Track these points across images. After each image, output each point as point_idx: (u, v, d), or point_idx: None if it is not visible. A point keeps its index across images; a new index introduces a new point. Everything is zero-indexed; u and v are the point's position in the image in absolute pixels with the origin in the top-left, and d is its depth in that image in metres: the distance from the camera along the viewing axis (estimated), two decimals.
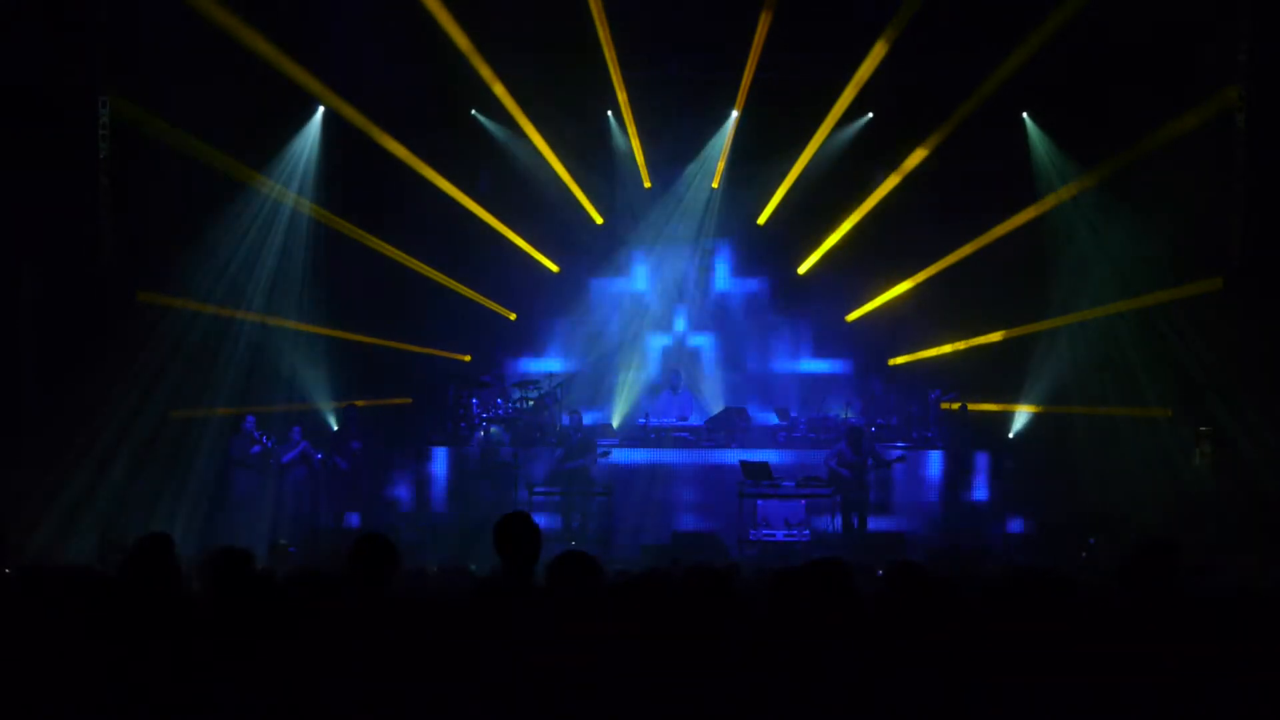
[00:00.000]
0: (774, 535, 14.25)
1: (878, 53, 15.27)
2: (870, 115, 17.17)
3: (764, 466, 14.71)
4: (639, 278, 18.51)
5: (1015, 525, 15.00)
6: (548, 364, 18.02)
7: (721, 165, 17.76)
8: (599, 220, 18.16)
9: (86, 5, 13.36)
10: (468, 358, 17.89)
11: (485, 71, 15.65)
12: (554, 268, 18.17)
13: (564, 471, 14.75)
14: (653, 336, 18.24)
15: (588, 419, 15.90)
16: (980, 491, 15.62)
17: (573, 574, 4.87)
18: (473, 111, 17.11)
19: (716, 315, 18.52)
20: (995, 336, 16.79)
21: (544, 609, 4.67)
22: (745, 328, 18.52)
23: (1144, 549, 4.94)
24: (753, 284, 18.68)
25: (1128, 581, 4.87)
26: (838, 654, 4.21)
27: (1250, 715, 4.15)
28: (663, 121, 17.15)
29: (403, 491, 15.97)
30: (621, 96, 16.57)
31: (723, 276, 18.69)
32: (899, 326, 17.55)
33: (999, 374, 16.52)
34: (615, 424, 16.97)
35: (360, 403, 15.76)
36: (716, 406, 17.19)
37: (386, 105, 15.95)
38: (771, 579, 4.70)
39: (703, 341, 18.44)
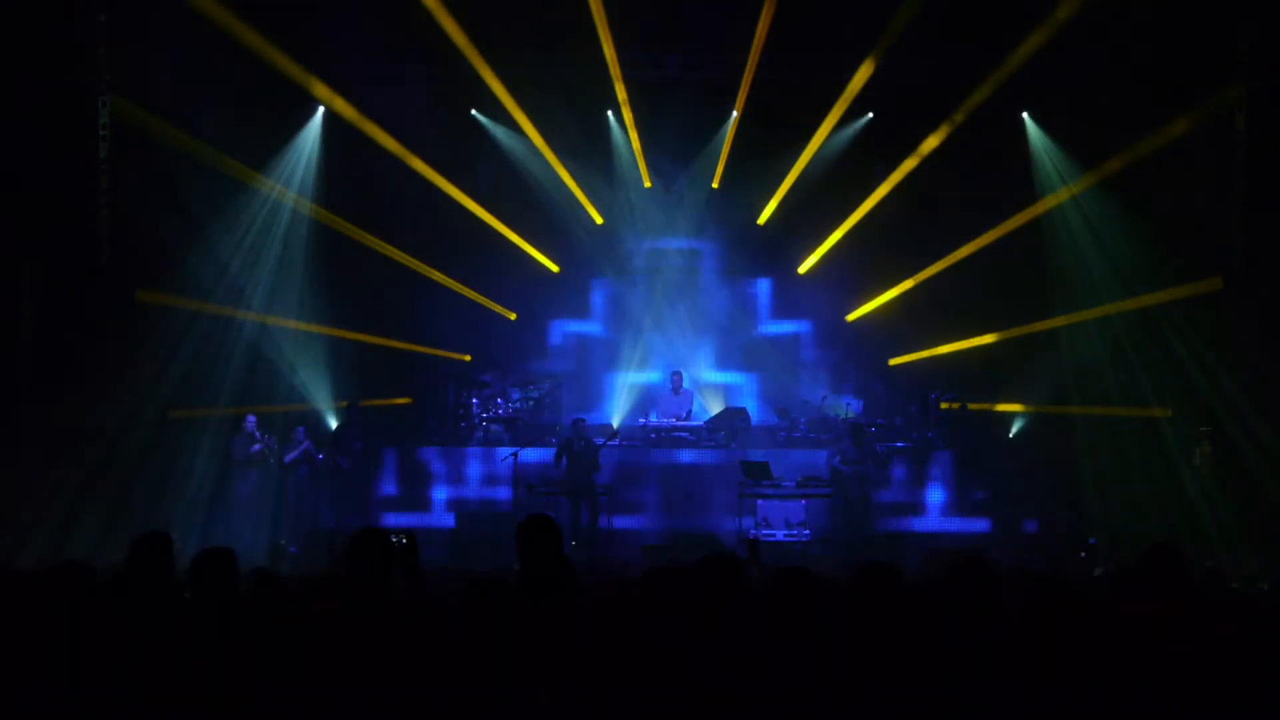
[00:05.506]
0: (774, 535, 14.26)
1: (878, 52, 15.27)
2: (870, 115, 17.18)
3: (764, 466, 14.71)
4: (639, 278, 18.52)
5: (1014, 525, 14.99)
6: (548, 364, 18.04)
7: (721, 165, 17.77)
8: (599, 220, 18.17)
9: (86, 5, 13.35)
10: (468, 358, 17.90)
11: (485, 71, 15.64)
12: (554, 268, 18.18)
13: (568, 480, 14.63)
14: (652, 337, 18.26)
15: (589, 420, 15.84)
16: (980, 491, 15.62)
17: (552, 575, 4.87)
18: (473, 111, 17.11)
19: (716, 315, 18.54)
20: (995, 336, 16.79)
21: (538, 609, 4.66)
22: (745, 328, 18.54)
23: (1153, 551, 4.92)
24: (753, 285, 18.69)
25: (1137, 583, 4.86)
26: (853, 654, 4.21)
27: (1252, 715, 4.15)
28: (663, 121, 17.14)
29: (402, 492, 15.95)
30: (621, 96, 16.57)
31: (723, 277, 18.69)
32: (899, 326, 17.56)
33: (999, 374, 16.52)
34: (615, 424, 16.98)
35: (360, 402, 15.75)
36: (716, 407, 17.20)
37: (386, 105, 15.95)
38: (779, 577, 4.68)
39: (703, 342, 18.46)
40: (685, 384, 16.94)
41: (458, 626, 4.51)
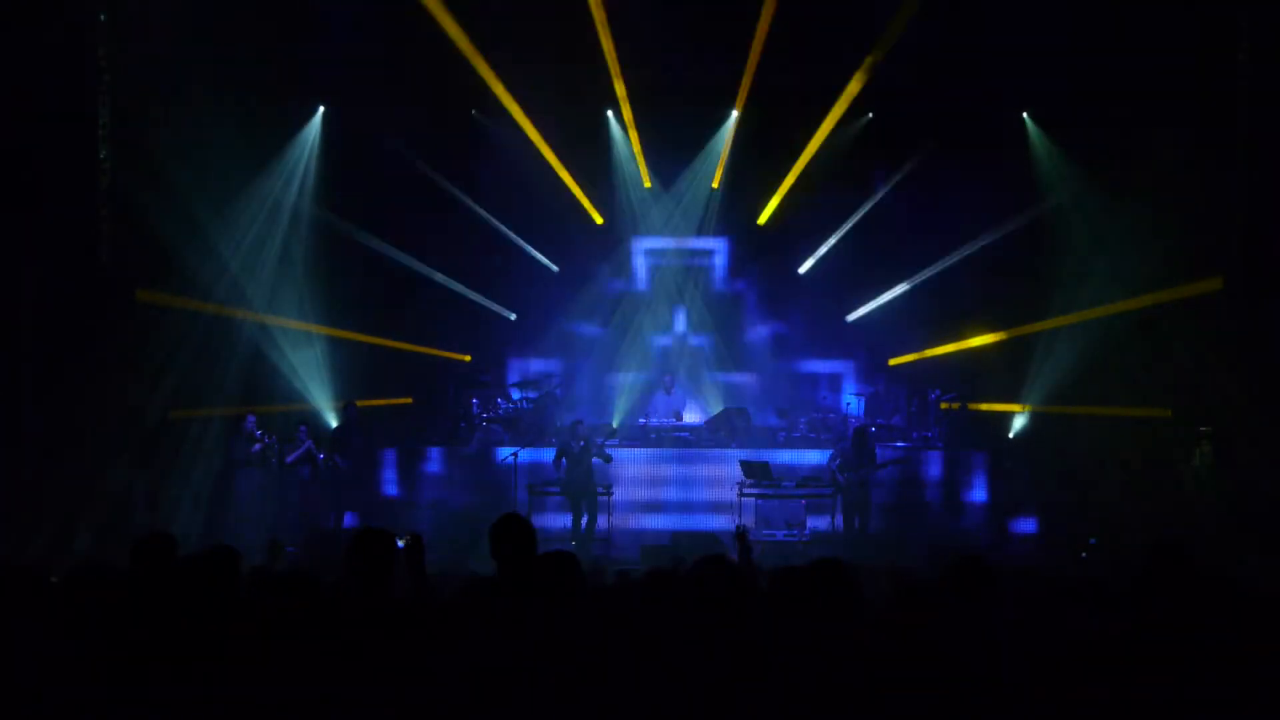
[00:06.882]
0: (774, 535, 14.25)
1: (878, 53, 15.27)
2: (870, 115, 17.18)
3: (764, 466, 14.71)
4: (639, 278, 18.52)
5: (1015, 525, 14.99)
6: (547, 364, 18.04)
7: (721, 165, 17.77)
8: (599, 220, 18.17)
9: (86, 5, 13.35)
10: (468, 358, 17.90)
11: (485, 71, 15.64)
12: (554, 267, 18.18)
13: (567, 481, 14.61)
14: (653, 336, 18.26)
15: (588, 419, 15.84)
16: (980, 492, 15.62)
17: (553, 573, 4.83)
18: (473, 111, 17.12)
19: (716, 315, 18.53)
20: (995, 337, 16.79)
21: (535, 608, 4.65)
22: (745, 328, 18.54)
23: (1156, 552, 4.91)
24: (752, 284, 18.69)
25: (1143, 584, 4.85)
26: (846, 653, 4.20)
27: (1253, 715, 4.15)
28: (663, 121, 17.14)
29: (402, 492, 15.94)
30: (621, 96, 16.57)
31: (722, 276, 18.70)
32: (899, 326, 17.56)
33: (999, 374, 16.52)
34: (615, 424, 16.98)
35: (360, 402, 15.75)
36: (716, 407, 17.19)
37: (386, 105, 15.95)
38: (774, 577, 4.69)
39: (702, 341, 18.46)
40: (679, 385, 16.94)
41: (458, 626, 4.51)
